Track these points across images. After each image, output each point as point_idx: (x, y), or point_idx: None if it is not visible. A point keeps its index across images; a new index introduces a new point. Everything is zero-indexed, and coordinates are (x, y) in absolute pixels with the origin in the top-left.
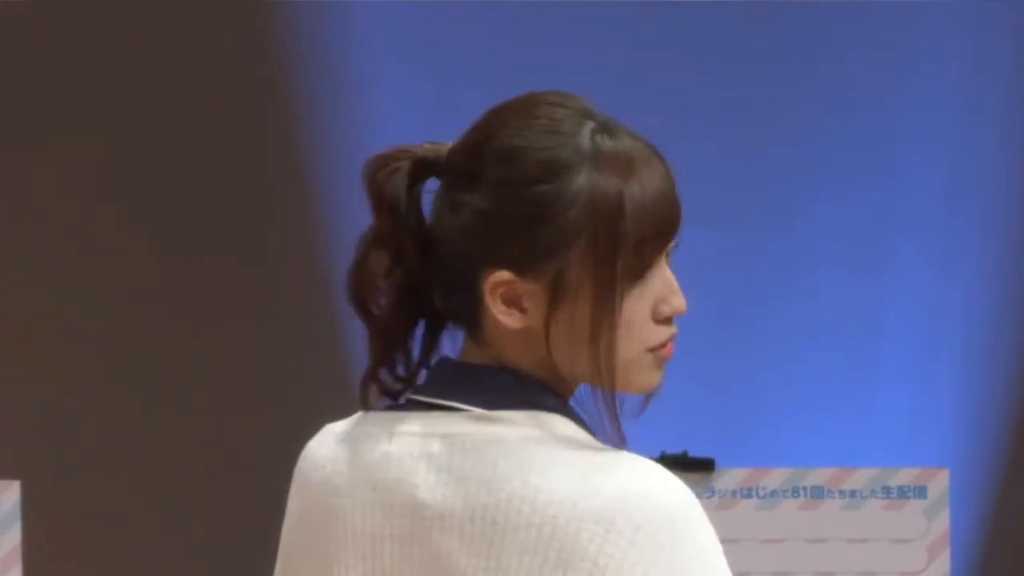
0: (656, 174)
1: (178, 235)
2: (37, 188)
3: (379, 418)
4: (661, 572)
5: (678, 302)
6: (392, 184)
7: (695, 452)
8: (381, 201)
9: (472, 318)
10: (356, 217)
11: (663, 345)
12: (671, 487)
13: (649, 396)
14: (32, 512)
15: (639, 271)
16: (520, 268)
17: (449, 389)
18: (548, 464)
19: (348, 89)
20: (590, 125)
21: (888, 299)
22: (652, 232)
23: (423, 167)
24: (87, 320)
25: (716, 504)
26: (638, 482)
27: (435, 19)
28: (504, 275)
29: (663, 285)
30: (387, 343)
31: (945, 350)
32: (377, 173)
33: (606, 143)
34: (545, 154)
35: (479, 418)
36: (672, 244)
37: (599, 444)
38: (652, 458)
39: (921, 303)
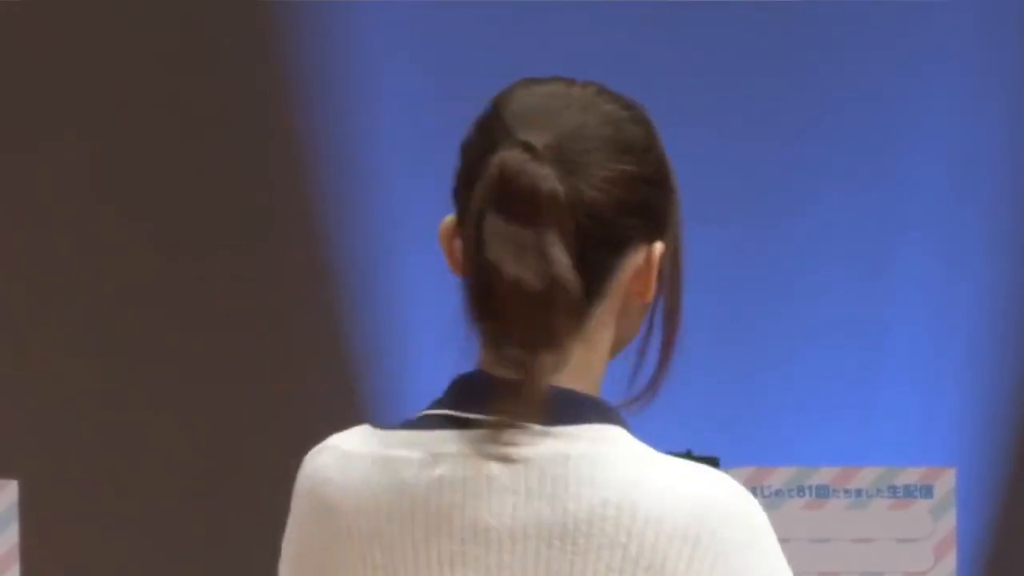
0: None
1: (177, 234)
2: (36, 187)
3: (406, 438)
4: None
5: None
6: (547, 184)
7: (699, 451)
8: (538, 208)
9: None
10: (355, 216)
11: None
12: (744, 495)
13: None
14: (30, 511)
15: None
16: (652, 238)
17: (494, 404)
18: (625, 479)
19: (348, 87)
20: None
21: (894, 296)
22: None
23: (567, 157)
24: (84, 319)
25: None
26: (717, 493)
27: (436, 18)
28: (660, 245)
29: None
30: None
31: (951, 347)
32: (528, 177)
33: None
34: (645, 117)
35: (538, 434)
36: None
37: (661, 454)
38: None
39: (927, 300)
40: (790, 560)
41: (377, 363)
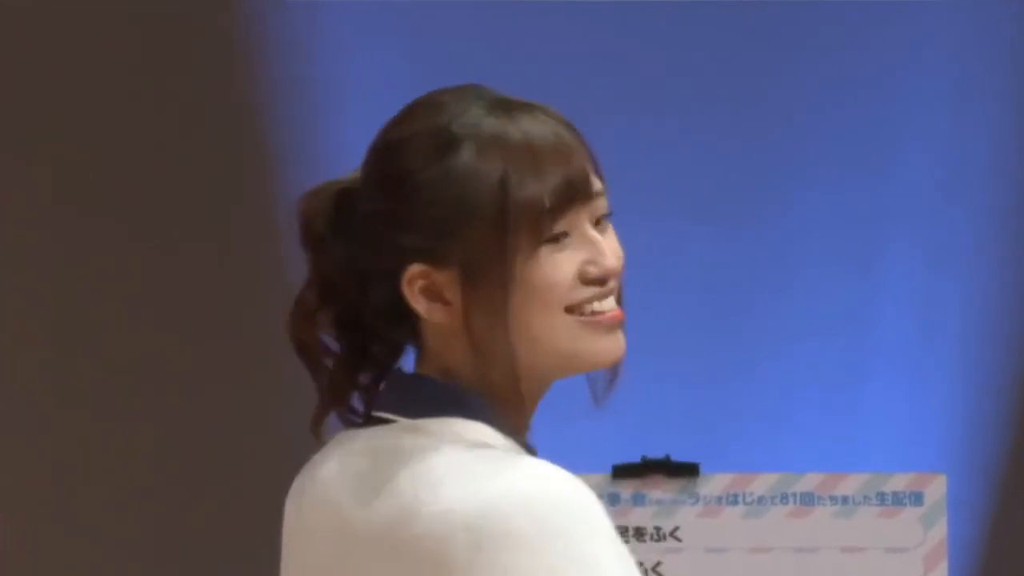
0: (549, 141)
1: (149, 229)
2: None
3: (343, 436)
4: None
5: (607, 262)
6: (317, 218)
7: (678, 456)
8: (307, 237)
9: (412, 329)
10: None
11: (586, 304)
12: (553, 488)
13: (614, 374)
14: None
15: (540, 237)
16: (431, 257)
17: (389, 401)
18: (440, 473)
19: (317, 86)
20: (478, 103)
21: (881, 294)
22: (548, 199)
23: (344, 196)
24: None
25: (700, 511)
26: (517, 486)
27: (409, 15)
28: (417, 268)
29: (589, 247)
30: (336, 387)
31: (941, 348)
32: (303, 209)
33: (490, 118)
34: (425, 138)
35: (405, 429)
36: (603, 210)
37: (505, 449)
38: (633, 463)
39: (915, 298)
40: (777, 571)
41: None
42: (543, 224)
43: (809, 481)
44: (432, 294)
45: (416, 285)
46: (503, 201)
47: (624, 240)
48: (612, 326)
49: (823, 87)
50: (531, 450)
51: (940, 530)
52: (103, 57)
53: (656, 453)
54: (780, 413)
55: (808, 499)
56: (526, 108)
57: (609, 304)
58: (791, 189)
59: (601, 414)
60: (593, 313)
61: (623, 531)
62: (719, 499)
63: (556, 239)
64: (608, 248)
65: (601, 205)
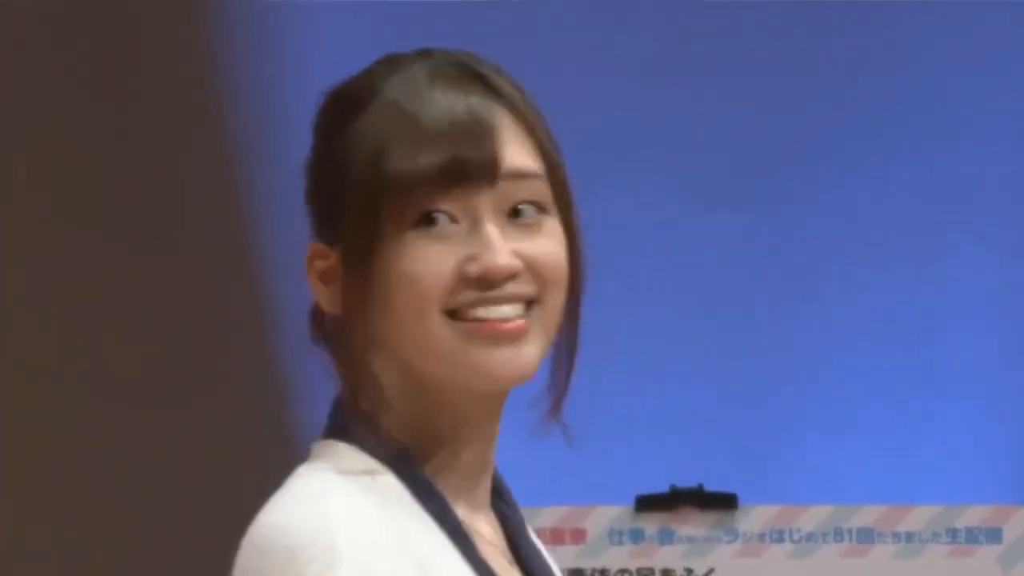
0: (447, 115)
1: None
2: None
3: None
4: None
5: (493, 259)
6: None
7: (712, 486)
8: None
9: None
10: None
11: (468, 308)
12: (267, 529)
13: (554, 400)
14: None
15: (405, 219)
16: (326, 236)
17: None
18: (270, 500)
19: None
20: (417, 67)
21: (950, 295)
22: (423, 176)
23: None
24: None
25: (739, 550)
26: (266, 521)
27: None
28: (315, 245)
29: (475, 240)
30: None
31: (1020, 358)
32: None
33: (404, 85)
34: (339, 100)
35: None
36: (523, 196)
37: (319, 473)
38: (660, 493)
39: (991, 300)
40: None
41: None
42: (409, 203)
43: (867, 515)
44: (328, 278)
45: (314, 266)
46: (374, 174)
47: (644, 230)
48: (498, 338)
49: (885, 53)
50: (417, 475)
51: (1022, 572)
52: (65, 55)
53: (687, 482)
54: (832, 435)
55: (866, 536)
56: (459, 81)
57: (499, 312)
58: (844, 170)
59: (621, 436)
60: (476, 320)
61: (648, 573)
62: (761, 536)
63: (430, 222)
64: (499, 244)
65: (518, 193)
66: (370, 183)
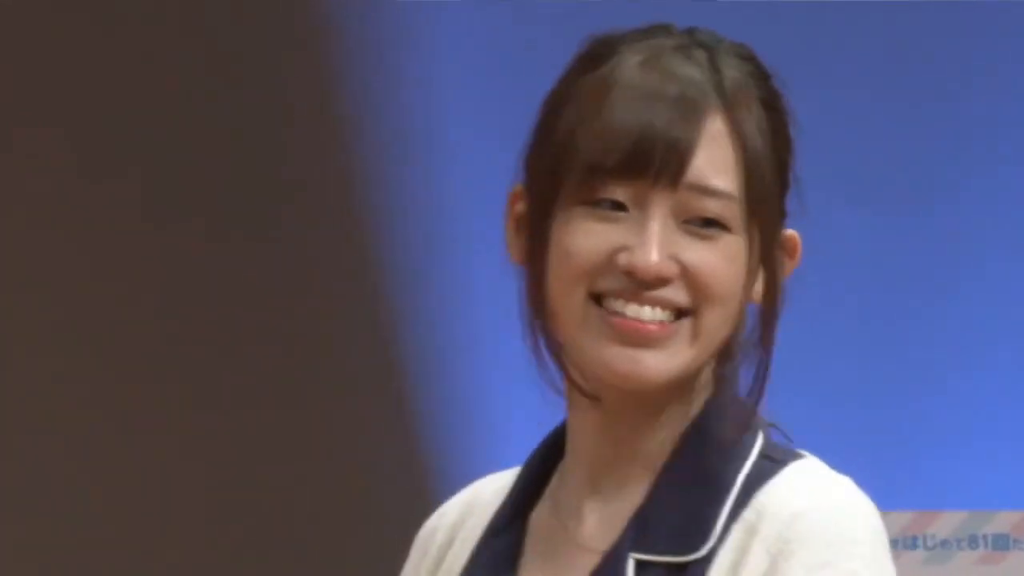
0: (655, 102)
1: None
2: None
3: None
4: None
5: (643, 257)
6: None
7: None
8: None
9: None
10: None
11: (609, 297)
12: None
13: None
14: None
15: (578, 193)
16: (526, 181)
17: None
18: None
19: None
20: (654, 39)
21: None
22: (607, 166)
23: None
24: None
25: None
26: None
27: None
28: (520, 188)
29: (637, 233)
30: None
31: None
32: None
33: (634, 49)
34: (589, 45)
35: None
36: (701, 212)
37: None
38: None
39: None
40: None
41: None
42: (585, 183)
43: (1004, 520)
44: (519, 225)
45: (514, 210)
46: (568, 139)
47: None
48: (629, 336)
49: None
50: (527, 492)
51: None
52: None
53: None
54: (968, 437)
55: (1002, 542)
56: (682, 71)
57: (638, 311)
58: (973, 162)
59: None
60: (614, 313)
61: None
62: (893, 542)
63: (598, 203)
64: (656, 243)
65: (699, 206)
66: (560, 148)
